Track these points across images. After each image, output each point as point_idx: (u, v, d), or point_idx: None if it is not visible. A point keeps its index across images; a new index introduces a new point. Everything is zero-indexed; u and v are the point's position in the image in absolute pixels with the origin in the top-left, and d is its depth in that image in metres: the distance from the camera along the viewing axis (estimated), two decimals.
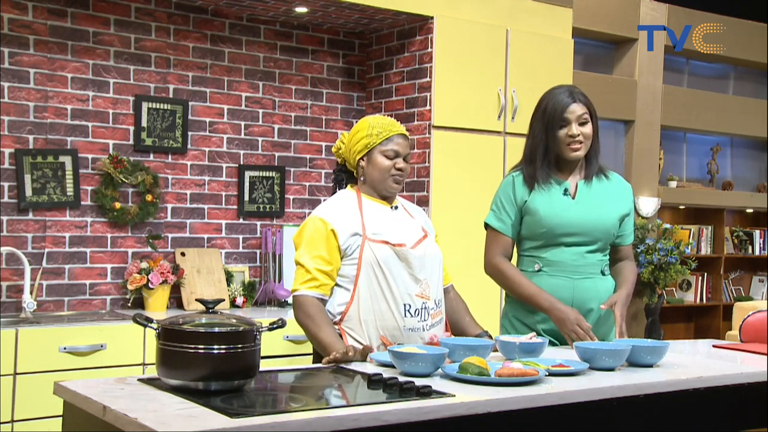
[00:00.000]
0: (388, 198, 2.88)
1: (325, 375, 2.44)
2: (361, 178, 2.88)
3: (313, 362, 2.84)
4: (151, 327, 2.13)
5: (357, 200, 2.84)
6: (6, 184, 4.16)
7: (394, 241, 2.77)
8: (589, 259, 3.03)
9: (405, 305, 2.74)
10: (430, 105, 4.72)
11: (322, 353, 2.67)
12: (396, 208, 2.89)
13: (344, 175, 2.96)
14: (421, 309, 2.77)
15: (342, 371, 2.45)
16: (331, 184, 5.08)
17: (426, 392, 2.09)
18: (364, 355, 2.59)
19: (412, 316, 2.75)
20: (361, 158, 2.85)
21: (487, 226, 3.15)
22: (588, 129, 3.03)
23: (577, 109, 3.01)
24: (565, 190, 3.06)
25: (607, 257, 3.12)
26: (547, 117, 3.04)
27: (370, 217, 2.80)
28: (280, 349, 4.19)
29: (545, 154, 3.05)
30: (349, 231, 2.76)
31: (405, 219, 2.89)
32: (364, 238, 2.75)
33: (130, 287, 4.30)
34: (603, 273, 3.09)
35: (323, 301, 2.76)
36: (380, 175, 2.82)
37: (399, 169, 2.82)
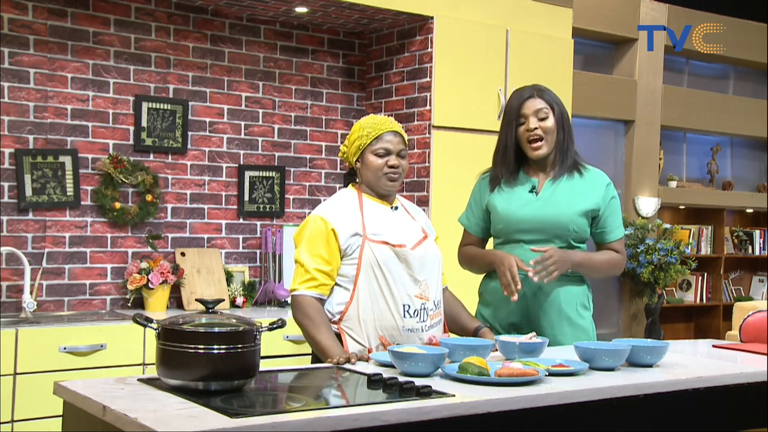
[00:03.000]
0: (386, 197, 2.88)
1: (324, 375, 2.44)
2: (357, 180, 2.90)
3: (312, 362, 2.84)
4: (151, 327, 2.13)
5: (358, 200, 2.84)
6: (6, 184, 4.16)
7: (394, 242, 2.77)
8: None
9: (404, 306, 2.75)
10: (430, 105, 4.72)
11: (319, 356, 2.67)
12: (396, 208, 2.89)
13: (351, 179, 2.96)
14: (420, 310, 2.77)
15: (342, 371, 2.45)
16: (330, 184, 5.09)
17: (426, 392, 2.09)
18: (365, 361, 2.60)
19: (411, 316, 2.75)
20: (357, 160, 2.86)
21: (461, 223, 3.28)
22: (548, 123, 3.03)
23: (534, 104, 3.03)
24: (532, 187, 3.07)
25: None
26: (507, 115, 3.08)
27: (370, 218, 2.80)
28: (280, 349, 4.19)
29: (505, 154, 3.09)
30: (349, 231, 2.76)
31: (405, 220, 2.89)
32: (364, 238, 2.75)
33: (130, 287, 4.30)
34: (567, 272, 3.03)
35: (322, 301, 2.76)
36: (373, 175, 2.82)
37: (392, 167, 2.81)
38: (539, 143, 3.02)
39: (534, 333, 2.78)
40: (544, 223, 3.01)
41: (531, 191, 3.07)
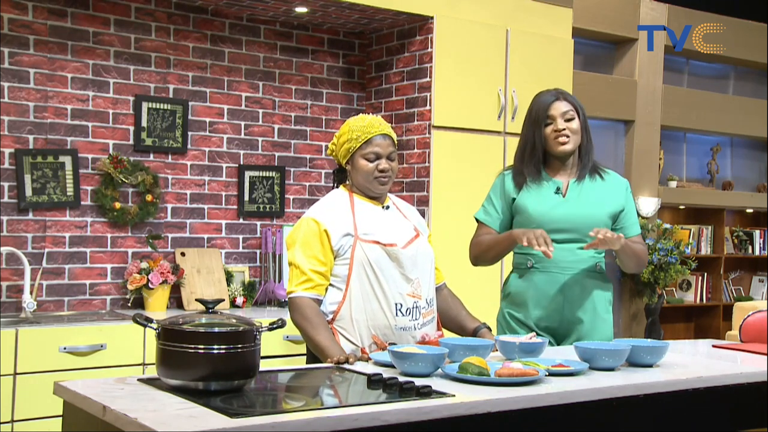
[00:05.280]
0: (377, 198, 2.89)
1: (324, 375, 2.44)
2: (347, 182, 2.91)
3: (307, 363, 2.86)
4: (151, 327, 2.13)
5: (349, 200, 2.86)
6: (6, 184, 4.16)
7: (385, 241, 2.79)
8: (580, 255, 3.09)
9: (396, 304, 2.76)
10: (430, 105, 4.72)
11: (318, 356, 2.68)
12: (387, 207, 2.91)
13: (343, 175, 2.97)
14: (413, 308, 2.79)
15: (342, 371, 2.45)
16: (330, 184, 5.08)
17: (426, 392, 2.09)
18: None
19: (403, 315, 2.77)
20: (347, 162, 2.87)
21: (476, 220, 3.26)
22: (574, 125, 3.11)
23: (561, 106, 3.12)
24: (557, 189, 3.13)
25: (601, 254, 3.15)
26: (533, 116, 3.15)
27: (361, 217, 2.82)
28: (279, 349, 4.19)
29: (533, 153, 3.15)
30: (341, 231, 2.77)
31: (397, 219, 2.91)
32: (355, 238, 2.77)
33: (130, 287, 4.30)
34: (597, 270, 3.13)
35: (318, 302, 2.78)
36: (364, 179, 2.83)
37: (382, 171, 2.82)
38: (565, 139, 3.10)
39: (534, 333, 2.79)
40: (577, 223, 3.08)
41: (557, 192, 3.12)
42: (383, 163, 2.82)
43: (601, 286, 3.15)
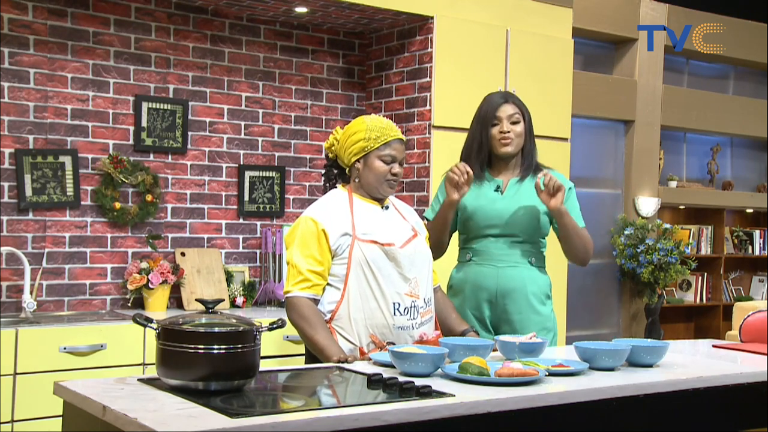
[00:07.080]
0: (379, 199, 2.90)
1: (324, 375, 2.45)
2: (356, 180, 2.90)
3: (305, 362, 2.86)
4: (151, 327, 2.13)
5: (348, 200, 2.87)
6: (6, 184, 4.16)
7: (383, 241, 2.80)
8: (514, 249, 3.22)
9: (394, 304, 2.77)
10: (430, 105, 4.72)
11: (317, 355, 2.69)
12: (387, 208, 2.92)
13: (335, 172, 2.98)
14: (411, 307, 2.80)
15: (341, 371, 2.46)
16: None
17: (426, 392, 2.09)
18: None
19: (401, 314, 2.78)
20: (357, 160, 2.86)
21: (425, 218, 3.39)
22: (519, 128, 3.25)
23: (508, 109, 3.25)
24: (497, 187, 3.26)
25: (542, 249, 3.28)
26: (482, 116, 3.28)
27: (360, 217, 2.83)
28: (279, 349, 4.19)
29: (479, 152, 3.27)
30: (339, 231, 2.78)
31: (395, 219, 2.92)
32: (353, 237, 2.78)
33: (130, 287, 4.30)
34: (531, 263, 3.24)
35: (316, 301, 2.79)
36: (376, 180, 2.85)
37: (394, 174, 2.85)
38: (509, 141, 3.23)
39: (534, 333, 2.80)
40: (511, 218, 3.20)
41: (496, 190, 3.25)
42: (396, 168, 2.86)
43: (535, 279, 3.24)
